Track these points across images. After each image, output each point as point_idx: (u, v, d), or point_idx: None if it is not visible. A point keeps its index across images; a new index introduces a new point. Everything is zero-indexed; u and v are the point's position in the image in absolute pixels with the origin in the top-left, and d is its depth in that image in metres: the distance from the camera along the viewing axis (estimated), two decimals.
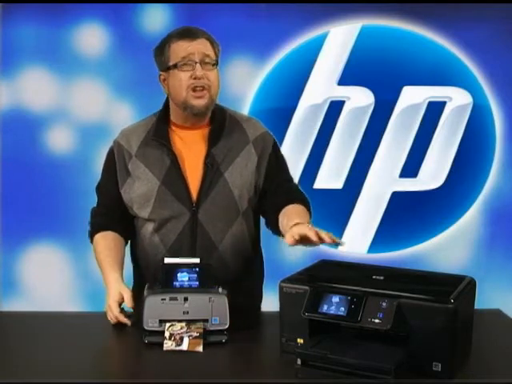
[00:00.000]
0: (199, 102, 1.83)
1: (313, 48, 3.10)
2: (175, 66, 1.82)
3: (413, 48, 3.09)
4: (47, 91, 3.09)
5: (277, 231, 1.88)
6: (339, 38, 3.09)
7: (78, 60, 3.07)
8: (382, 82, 3.09)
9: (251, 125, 1.96)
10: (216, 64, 1.85)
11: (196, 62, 1.80)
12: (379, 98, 3.10)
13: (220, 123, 1.90)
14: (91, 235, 1.95)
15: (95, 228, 1.94)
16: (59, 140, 3.12)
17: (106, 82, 3.09)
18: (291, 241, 1.57)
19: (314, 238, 1.53)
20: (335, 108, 3.12)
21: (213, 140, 1.88)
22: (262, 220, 2.00)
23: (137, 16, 3.06)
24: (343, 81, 3.10)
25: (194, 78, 1.80)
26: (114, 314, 1.74)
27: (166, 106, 1.94)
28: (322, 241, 1.54)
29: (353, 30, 3.09)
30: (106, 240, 1.91)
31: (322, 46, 3.09)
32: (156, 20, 3.05)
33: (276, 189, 1.91)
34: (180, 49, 1.81)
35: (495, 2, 3.00)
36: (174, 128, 1.92)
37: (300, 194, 1.94)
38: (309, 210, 1.88)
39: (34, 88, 3.09)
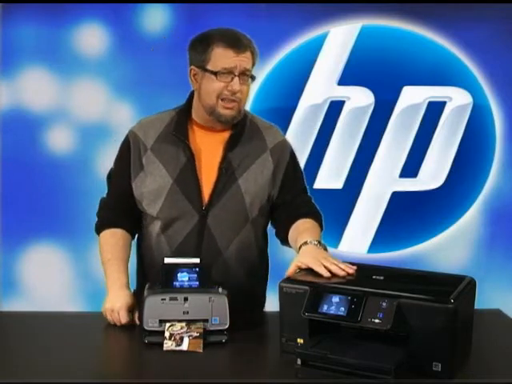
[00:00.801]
0: (228, 113, 1.81)
1: (313, 48, 3.10)
2: (213, 72, 1.77)
3: (413, 48, 3.08)
4: (47, 91, 3.09)
5: (286, 243, 1.88)
6: (339, 38, 3.09)
7: (78, 60, 3.07)
8: (382, 81, 3.08)
9: (270, 132, 1.94)
10: (253, 78, 1.83)
11: (235, 76, 1.77)
12: (379, 97, 3.10)
13: (240, 128, 1.88)
14: (98, 228, 1.92)
15: (104, 222, 1.91)
16: (59, 140, 3.11)
17: (106, 82, 3.09)
18: (293, 272, 1.57)
19: (324, 275, 1.53)
20: (335, 108, 3.11)
21: (231, 145, 1.85)
22: (271, 228, 1.99)
23: (137, 16, 3.06)
24: (343, 81, 3.10)
25: (229, 90, 1.77)
26: (121, 321, 1.70)
27: (189, 102, 1.90)
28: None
29: (353, 30, 3.09)
30: (115, 238, 1.87)
31: (322, 46, 3.09)
32: (156, 20, 3.05)
33: (291, 200, 1.90)
34: (223, 58, 1.77)
35: (495, 2, 2.99)
36: (194, 126, 1.89)
37: (312, 207, 1.93)
38: (320, 224, 1.87)
39: (34, 88, 3.08)
